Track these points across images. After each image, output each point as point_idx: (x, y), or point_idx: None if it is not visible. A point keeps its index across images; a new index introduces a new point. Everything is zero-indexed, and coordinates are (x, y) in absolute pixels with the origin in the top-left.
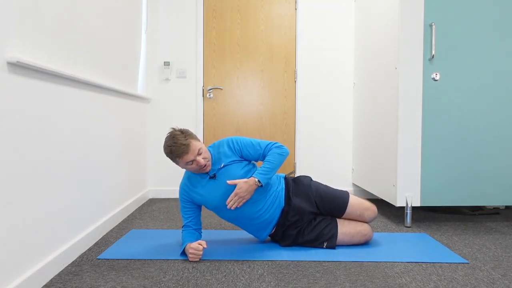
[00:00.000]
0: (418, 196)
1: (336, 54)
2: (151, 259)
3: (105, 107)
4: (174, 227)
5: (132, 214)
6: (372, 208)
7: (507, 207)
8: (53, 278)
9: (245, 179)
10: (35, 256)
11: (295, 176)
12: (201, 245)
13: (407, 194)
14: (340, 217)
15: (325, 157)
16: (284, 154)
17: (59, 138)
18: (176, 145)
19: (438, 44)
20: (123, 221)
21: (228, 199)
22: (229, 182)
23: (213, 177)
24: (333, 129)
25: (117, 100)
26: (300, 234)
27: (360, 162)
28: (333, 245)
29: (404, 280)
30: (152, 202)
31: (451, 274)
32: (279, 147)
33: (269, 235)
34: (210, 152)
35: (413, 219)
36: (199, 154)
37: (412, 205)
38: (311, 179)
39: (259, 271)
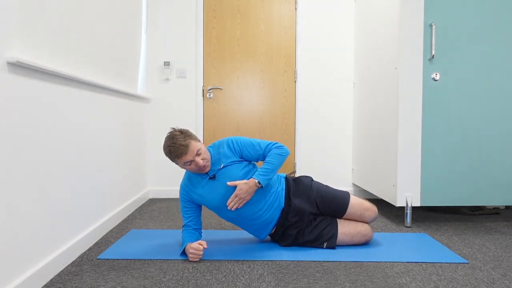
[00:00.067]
0: (418, 196)
1: (336, 54)
2: (151, 259)
3: (105, 107)
4: (174, 227)
5: (132, 214)
6: (372, 208)
7: (507, 207)
8: (53, 278)
9: (245, 181)
10: (35, 256)
11: (296, 176)
12: (201, 245)
13: (407, 194)
14: (340, 218)
15: (325, 157)
16: (284, 155)
17: (59, 138)
18: (175, 146)
19: (438, 44)
20: (123, 221)
21: (229, 200)
22: (229, 183)
23: (213, 177)
24: (333, 129)
25: (117, 100)
26: (300, 234)
27: (360, 162)
28: (333, 245)
29: (404, 280)
30: (152, 202)
31: (451, 274)
32: (279, 147)
33: (269, 235)
34: (210, 153)
35: (413, 219)
36: (197, 154)
37: (412, 205)
38: (312, 179)
39: (259, 271)
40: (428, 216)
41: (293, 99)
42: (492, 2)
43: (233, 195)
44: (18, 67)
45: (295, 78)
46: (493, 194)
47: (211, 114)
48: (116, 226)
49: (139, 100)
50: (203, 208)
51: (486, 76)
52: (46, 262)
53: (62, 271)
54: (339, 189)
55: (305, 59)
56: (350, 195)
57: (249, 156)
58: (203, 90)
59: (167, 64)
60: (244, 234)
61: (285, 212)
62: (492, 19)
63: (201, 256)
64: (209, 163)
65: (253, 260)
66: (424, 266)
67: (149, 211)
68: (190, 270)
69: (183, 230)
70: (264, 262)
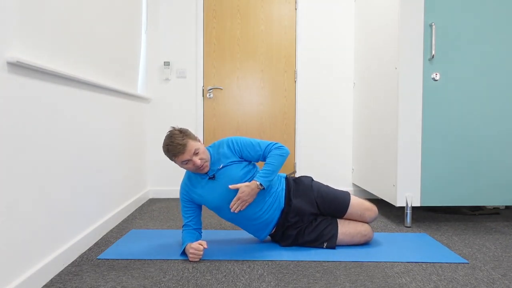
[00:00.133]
0: (418, 196)
1: (336, 54)
2: (151, 259)
3: (105, 107)
4: (174, 227)
5: (132, 214)
6: (373, 208)
7: (507, 207)
8: (53, 278)
9: (247, 183)
10: (35, 256)
11: (296, 176)
12: (201, 245)
13: (407, 194)
14: (341, 218)
15: (325, 157)
16: (285, 155)
17: (59, 138)
18: (173, 145)
19: (438, 44)
20: (123, 221)
21: (231, 203)
22: (231, 186)
23: (212, 177)
24: (333, 129)
25: (117, 100)
26: (300, 234)
27: (360, 162)
28: (333, 245)
29: (404, 280)
30: (152, 202)
31: (451, 274)
32: (279, 148)
33: (269, 235)
34: (210, 153)
35: (413, 219)
36: (195, 154)
37: (412, 205)
38: (312, 179)
39: (259, 271)
40: (428, 216)
41: (293, 99)
42: (492, 2)
43: (235, 198)
44: (18, 67)
45: (295, 78)
46: (493, 194)
47: (211, 114)
48: (116, 226)
49: (139, 100)
50: (203, 208)
51: (486, 76)
52: (46, 262)
53: (62, 271)
54: (339, 189)
55: (305, 59)
56: (351, 195)
57: (249, 156)
58: (203, 90)
59: (167, 64)
60: (244, 234)
61: (285, 213)
62: (492, 19)
63: (201, 256)
64: (207, 163)
65: (253, 260)
66: (424, 266)
67: (149, 211)
68: (190, 270)
69: (183, 230)
70: (264, 262)
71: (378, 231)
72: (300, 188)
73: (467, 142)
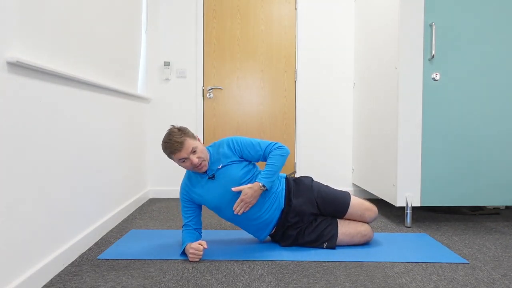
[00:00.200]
0: (418, 196)
1: (336, 54)
2: (151, 259)
3: (105, 107)
4: (174, 227)
5: (132, 214)
6: (373, 208)
7: (507, 207)
8: (53, 278)
9: (250, 185)
10: (35, 256)
11: (296, 176)
12: (201, 245)
13: (407, 194)
14: (341, 218)
15: (325, 157)
16: (285, 155)
17: (59, 138)
18: (170, 142)
19: (438, 44)
20: (123, 221)
21: (235, 205)
22: (234, 189)
23: (212, 177)
24: (333, 129)
25: (117, 100)
26: (301, 234)
27: (360, 162)
28: (333, 246)
29: (404, 280)
30: (152, 202)
31: (451, 274)
32: (279, 148)
33: (269, 235)
34: (210, 152)
35: (413, 219)
36: (193, 152)
37: (412, 205)
38: (312, 180)
39: (259, 271)
40: (428, 216)
41: (293, 99)
42: (492, 2)
43: (238, 200)
44: (18, 67)
45: (295, 78)
46: (493, 194)
47: (211, 114)
48: (116, 226)
49: (139, 100)
50: (203, 208)
51: (486, 76)
52: (46, 262)
53: (62, 271)
54: (339, 189)
55: (305, 59)
56: (351, 195)
57: (249, 156)
58: (203, 90)
59: (167, 64)
60: (244, 234)
61: (285, 213)
62: (492, 19)
63: (201, 256)
64: (205, 163)
65: (253, 260)
66: (424, 266)
67: (149, 211)
68: (190, 270)
69: (183, 230)
70: (264, 262)
71: (378, 231)
72: (300, 188)
73: (467, 142)
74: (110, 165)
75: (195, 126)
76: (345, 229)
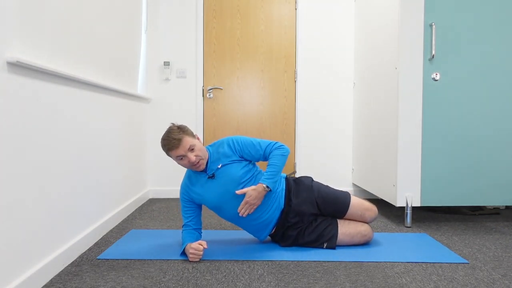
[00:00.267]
0: (418, 196)
1: (336, 54)
2: (151, 259)
3: (105, 107)
4: (174, 227)
5: (132, 214)
6: (373, 208)
7: (507, 207)
8: (53, 278)
9: (253, 187)
10: (35, 256)
11: (296, 176)
12: (201, 245)
13: (407, 194)
14: (341, 218)
15: (325, 157)
16: (286, 154)
17: (59, 138)
18: (168, 139)
19: (438, 44)
20: (123, 221)
21: (239, 207)
22: (238, 192)
23: (212, 176)
24: (333, 129)
25: (117, 100)
26: (301, 235)
27: (360, 162)
28: (333, 246)
29: (404, 280)
30: (152, 202)
31: (451, 274)
32: (279, 147)
33: (269, 235)
34: (209, 152)
35: (413, 219)
36: (190, 150)
37: (412, 205)
38: (312, 180)
39: (259, 271)
40: (428, 216)
41: (293, 99)
42: (492, 2)
43: (243, 202)
44: (18, 67)
45: (295, 78)
46: (493, 194)
47: (211, 114)
48: (116, 226)
49: (139, 100)
50: (203, 208)
51: (486, 76)
52: (46, 262)
53: (62, 271)
54: (339, 189)
55: (305, 59)
56: (351, 195)
57: (250, 156)
58: (203, 90)
59: (167, 64)
60: (244, 234)
61: (285, 213)
62: (492, 19)
63: (201, 256)
64: (203, 161)
65: (253, 260)
66: (424, 266)
67: (149, 211)
68: (190, 270)
69: (183, 230)
70: (264, 262)
71: (378, 231)
72: (301, 188)
73: (467, 142)
74: (110, 165)
75: (195, 126)
76: (345, 229)
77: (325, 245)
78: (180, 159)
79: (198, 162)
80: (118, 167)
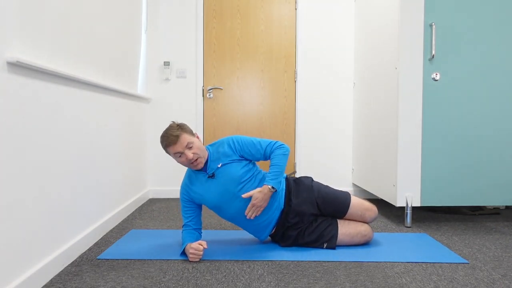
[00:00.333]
0: (418, 196)
1: (336, 54)
2: (151, 259)
3: (105, 107)
4: (174, 227)
5: (132, 214)
6: (373, 208)
7: (507, 207)
8: (53, 278)
9: (259, 189)
10: (35, 256)
11: (297, 176)
12: (201, 245)
13: (407, 194)
14: (341, 218)
15: (325, 157)
16: (287, 153)
17: (59, 138)
18: (167, 135)
19: (438, 44)
20: (123, 221)
21: (246, 210)
22: (244, 195)
23: (212, 176)
24: (333, 129)
25: (117, 100)
26: (301, 235)
27: (360, 162)
28: (333, 246)
29: (404, 280)
30: (152, 202)
31: (451, 274)
32: (280, 147)
33: (270, 236)
34: (209, 151)
35: (413, 219)
36: (188, 148)
37: (412, 205)
38: (312, 180)
39: (259, 271)
40: (428, 216)
41: (293, 99)
42: (492, 2)
43: (250, 205)
44: (18, 67)
45: (295, 78)
46: (493, 194)
47: (211, 114)
48: (116, 226)
49: (139, 100)
50: (203, 208)
51: (486, 76)
52: (46, 262)
53: (62, 271)
54: (339, 189)
55: (305, 59)
56: (351, 195)
57: (250, 155)
58: (203, 90)
59: (167, 64)
60: (244, 234)
61: (284, 213)
62: (492, 19)
63: (201, 256)
64: (201, 159)
65: (253, 260)
66: (424, 266)
67: (149, 211)
68: (190, 270)
69: (183, 230)
70: (264, 262)
71: (378, 231)
72: (301, 188)
73: (467, 142)
74: (110, 165)
75: (195, 126)
76: (345, 229)
77: (325, 245)
78: (178, 156)
79: (196, 160)
80: (118, 167)
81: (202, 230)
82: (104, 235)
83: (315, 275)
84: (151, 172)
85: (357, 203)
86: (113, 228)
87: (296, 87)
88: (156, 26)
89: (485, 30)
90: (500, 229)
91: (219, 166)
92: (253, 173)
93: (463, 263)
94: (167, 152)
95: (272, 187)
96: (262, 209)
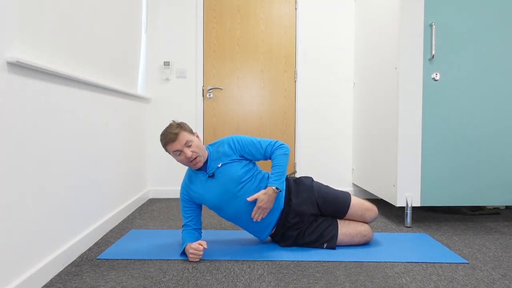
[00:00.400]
0: (418, 196)
1: (336, 54)
2: (151, 259)
3: (105, 107)
4: (174, 227)
5: (132, 214)
6: (373, 208)
7: (507, 207)
8: (53, 278)
9: (263, 191)
10: (35, 256)
11: (296, 176)
12: (201, 245)
13: (407, 194)
14: (341, 218)
15: (325, 157)
16: (288, 153)
17: (59, 138)
18: (166, 133)
19: (438, 44)
20: (123, 221)
21: (253, 213)
22: (249, 199)
23: (212, 176)
24: (333, 129)
25: (117, 100)
26: (301, 235)
27: (360, 162)
28: (333, 246)
29: (404, 280)
30: (152, 202)
31: (451, 274)
32: (280, 147)
33: (270, 236)
34: (209, 151)
35: (413, 219)
36: (187, 146)
37: (412, 205)
38: (313, 180)
39: (259, 271)
40: (428, 216)
41: (293, 99)
42: (492, 2)
43: (256, 208)
44: (18, 67)
45: (295, 78)
46: (493, 194)
47: (211, 114)
48: (116, 226)
49: (139, 100)
50: (203, 208)
51: (486, 76)
52: (46, 262)
53: (62, 271)
54: (339, 189)
55: (305, 59)
56: (351, 195)
57: (250, 155)
58: (203, 90)
59: (167, 64)
60: (244, 234)
61: (285, 213)
62: (492, 19)
63: (201, 256)
64: (200, 158)
65: (253, 260)
66: (424, 266)
67: (149, 211)
68: (190, 270)
69: (183, 230)
70: (264, 262)
71: (378, 231)
72: (301, 188)
73: (467, 142)
74: (110, 165)
75: (195, 126)
76: (345, 230)
77: (325, 245)
78: (177, 154)
79: (195, 158)
80: (118, 167)
81: (202, 230)
82: (104, 235)
83: (315, 275)
84: (151, 172)
85: (357, 203)
86: (113, 228)
87: (296, 87)
88: (156, 26)
89: (485, 30)
90: (500, 229)
91: (219, 165)
92: (253, 173)
93: (463, 263)
94: (166, 150)
95: (277, 188)
96: (268, 210)
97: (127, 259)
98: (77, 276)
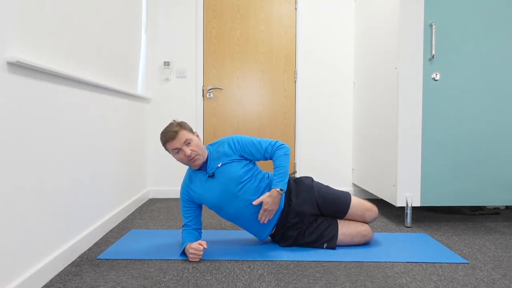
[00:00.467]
0: (418, 196)
1: (336, 54)
2: (151, 259)
3: (105, 107)
4: (174, 227)
5: (132, 214)
6: (373, 208)
7: (507, 207)
8: (53, 278)
9: (268, 193)
10: (35, 256)
11: (297, 176)
12: (201, 245)
13: (407, 194)
14: (341, 218)
15: (325, 157)
16: (288, 153)
17: (59, 138)
18: (166, 131)
19: (438, 44)
20: (123, 221)
21: (259, 216)
22: (254, 203)
23: (212, 176)
24: (333, 129)
25: (117, 100)
26: (301, 235)
27: (360, 162)
28: (333, 246)
29: (404, 280)
30: (152, 202)
31: (451, 274)
32: (280, 147)
33: (270, 236)
34: (209, 151)
35: (413, 219)
36: (186, 144)
37: (412, 205)
38: (313, 180)
39: (259, 271)
40: (428, 216)
41: (293, 99)
42: (492, 2)
43: (262, 210)
44: (18, 67)
45: (295, 78)
46: (493, 194)
47: (211, 114)
48: (116, 226)
49: (139, 100)
50: (203, 208)
51: (486, 76)
52: (46, 262)
53: (62, 271)
54: (340, 189)
55: (305, 59)
56: (351, 195)
57: (250, 155)
58: (203, 90)
59: (167, 64)
60: (244, 234)
61: (285, 213)
62: (493, 19)
63: (201, 256)
64: (200, 157)
65: (253, 260)
66: (424, 266)
67: (149, 211)
68: (190, 270)
69: (183, 230)
70: (264, 262)
71: (378, 231)
72: (301, 188)
73: (467, 142)
74: (110, 165)
75: (195, 126)
76: (345, 230)
77: (325, 245)
78: (176, 152)
79: (194, 157)
80: (118, 167)
81: (202, 230)
82: (104, 235)
83: (315, 275)
84: (151, 172)
85: (357, 203)
86: (113, 228)
87: (296, 87)
88: (156, 26)
89: (485, 30)
90: (500, 229)
91: (219, 165)
92: (253, 173)
93: (463, 263)
94: (166, 148)
95: (281, 189)
96: (274, 212)
97: (127, 259)
98: (77, 276)
